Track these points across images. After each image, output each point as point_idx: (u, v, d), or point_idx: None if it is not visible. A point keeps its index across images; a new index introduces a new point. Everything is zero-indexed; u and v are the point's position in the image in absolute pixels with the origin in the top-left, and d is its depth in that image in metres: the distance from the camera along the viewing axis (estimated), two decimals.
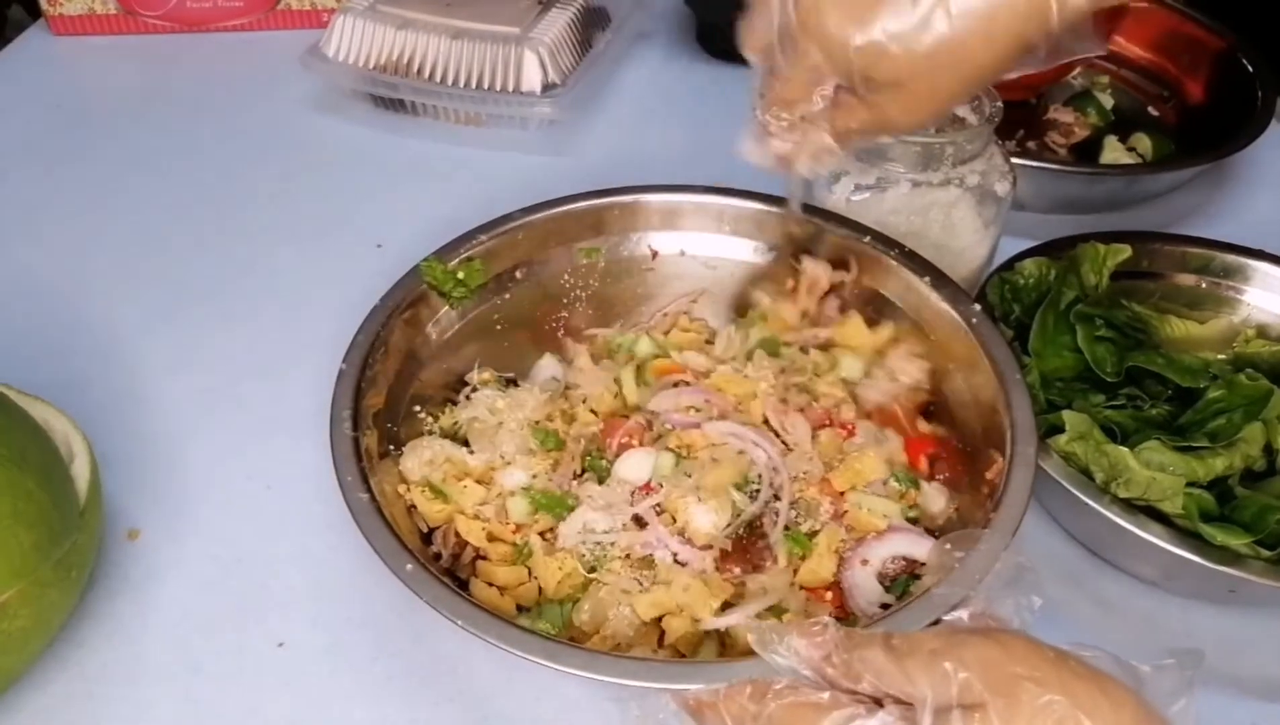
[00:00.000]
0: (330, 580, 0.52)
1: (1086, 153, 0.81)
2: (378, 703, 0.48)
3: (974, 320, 0.55)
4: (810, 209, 0.61)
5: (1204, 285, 0.63)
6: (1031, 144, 0.82)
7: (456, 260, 0.58)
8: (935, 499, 0.53)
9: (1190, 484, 0.50)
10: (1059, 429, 0.52)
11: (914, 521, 0.52)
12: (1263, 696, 0.49)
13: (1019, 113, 0.85)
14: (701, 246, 0.63)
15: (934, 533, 0.51)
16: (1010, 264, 0.61)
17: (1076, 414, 0.53)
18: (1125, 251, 0.61)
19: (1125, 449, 0.50)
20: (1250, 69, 0.79)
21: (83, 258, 0.72)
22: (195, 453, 0.59)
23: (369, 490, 0.47)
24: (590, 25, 0.86)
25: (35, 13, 0.95)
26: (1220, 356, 0.59)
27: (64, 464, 0.48)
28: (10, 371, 0.53)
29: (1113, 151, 0.80)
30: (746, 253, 0.63)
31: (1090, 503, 0.50)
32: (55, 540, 0.44)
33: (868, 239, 0.59)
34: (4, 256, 0.72)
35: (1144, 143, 0.81)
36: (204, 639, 0.50)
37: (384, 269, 0.70)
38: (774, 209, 0.62)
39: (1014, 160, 0.72)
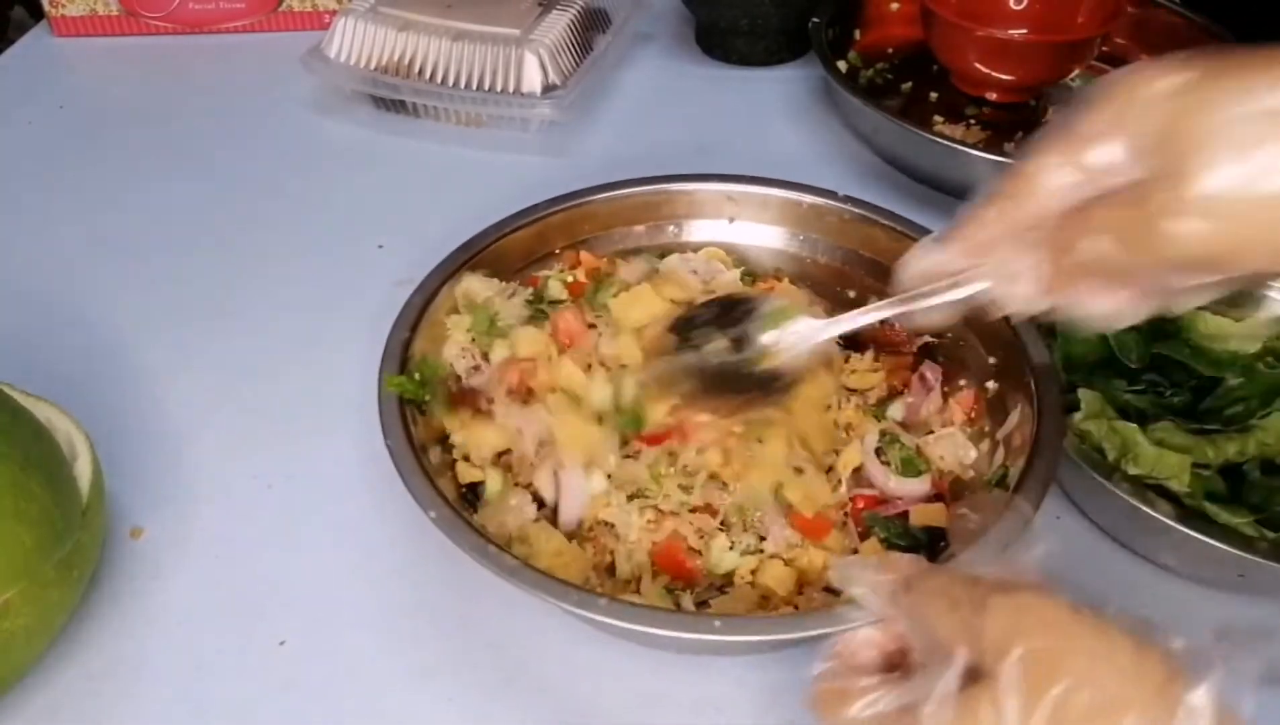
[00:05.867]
0: (330, 579, 0.53)
1: None
2: (378, 701, 0.48)
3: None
4: (821, 191, 0.63)
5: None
6: None
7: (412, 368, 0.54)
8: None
9: (1202, 466, 0.51)
10: (1077, 410, 0.53)
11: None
12: (1268, 687, 0.49)
13: (1018, 114, 0.85)
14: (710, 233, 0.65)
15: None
16: None
17: (1091, 392, 0.54)
18: None
19: (1134, 426, 0.51)
20: None
21: (85, 257, 0.72)
22: (197, 452, 0.59)
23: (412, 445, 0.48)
24: (590, 27, 0.87)
25: (37, 14, 0.96)
26: (1250, 351, 0.59)
27: (66, 463, 0.48)
28: (13, 371, 0.53)
29: None
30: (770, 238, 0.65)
31: (1097, 478, 0.50)
32: (58, 539, 0.44)
33: (886, 220, 0.61)
34: (6, 256, 0.72)
35: None
36: (206, 637, 0.50)
37: (385, 269, 0.70)
38: (779, 192, 0.63)
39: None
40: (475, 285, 0.57)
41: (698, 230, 0.65)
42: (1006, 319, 0.54)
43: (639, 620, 0.41)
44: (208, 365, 0.64)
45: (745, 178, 0.64)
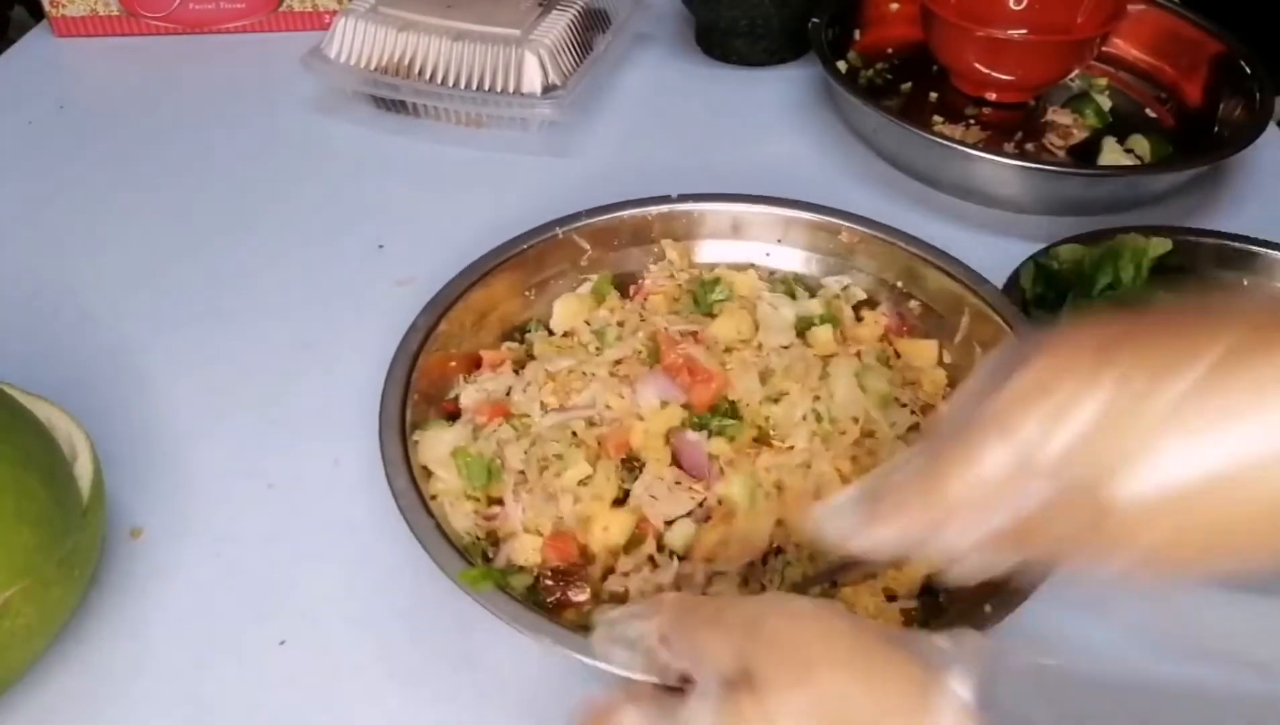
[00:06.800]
0: (331, 579, 0.53)
1: (1084, 155, 0.81)
2: (379, 700, 0.48)
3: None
4: (825, 210, 0.62)
5: (1246, 282, 0.63)
6: (1030, 146, 0.82)
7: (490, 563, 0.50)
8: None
9: None
10: None
11: None
12: (1268, 686, 0.49)
13: (1017, 115, 0.85)
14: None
15: None
16: (1047, 250, 0.62)
17: None
18: (1166, 245, 0.61)
19: None
20: (1248, 70, 0.80)
21: (85, 257, 0.72)
22: (197, 452, 0.59)
23: (418, 491, 0.48)
24: (590, 27, 0.87)
25: (38, 14, 0.96)
26: None
27: (67, 463, 0.48)
28: (13, 370, 0.53)
29: (1111, 153, 0.80)
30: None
31: None
32: (58, 539, 0.44)
33: (884, 235, 0.61)
34: (6, 256, 0.72)
35: (1142, 144, 0.81)
36: (206, 636, 0.50)
37: (385, 269, 0.71)
38: (789, 212, 0.63)
39: (1013, 162, 0.73)
40: (442, 439, 0.52)
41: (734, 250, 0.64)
42: (1009, 324, 0.55)
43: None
44: (208, 364, 0.64)
45: (795, 202, 0.63)
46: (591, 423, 0.53)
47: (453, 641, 0.50)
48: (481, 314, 0.59)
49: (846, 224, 0.62)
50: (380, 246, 0.73)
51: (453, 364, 0.57)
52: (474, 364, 0.58)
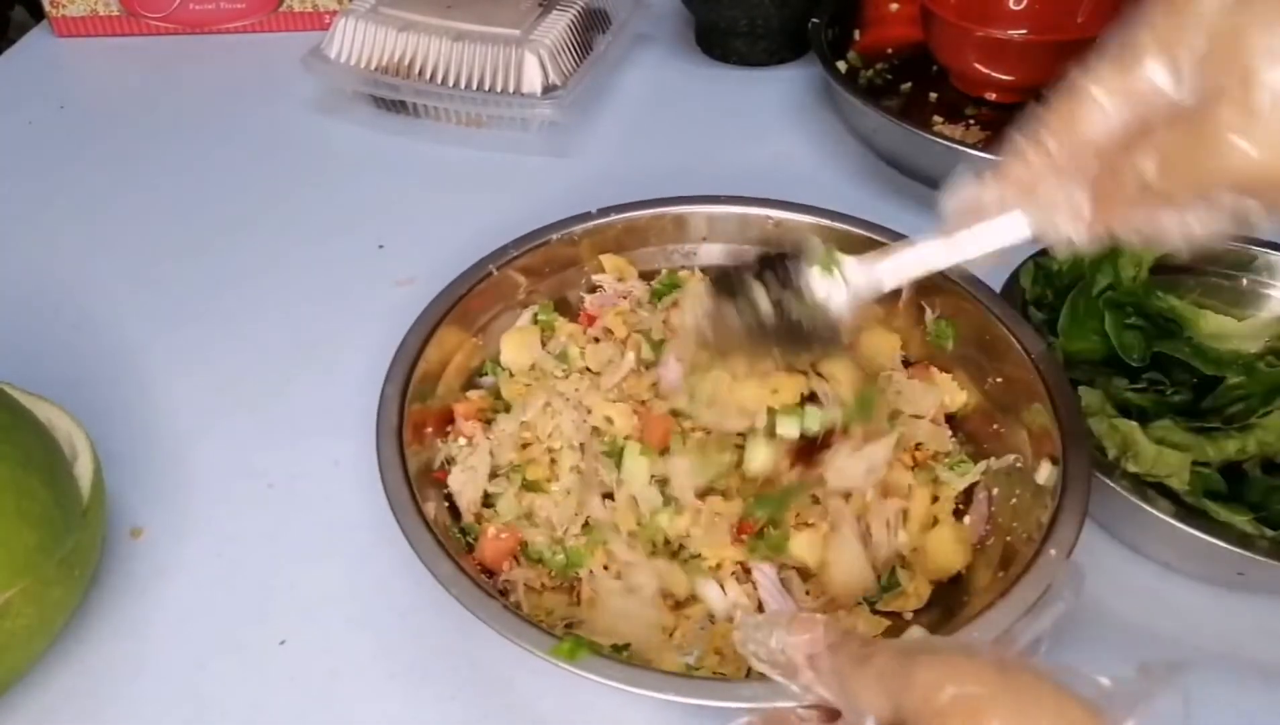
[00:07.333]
0: (331, 578, 0.53)
1: None
2: (379, 699, 0.48)
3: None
4: (744, 200, 0.63)
5: (1245, 282, 0.63)
6: None
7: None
8: None
9: (1202, 464, 0.51)
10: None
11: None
12: (1267, 686, 0.49)
13: (1018, 114, 0.85)
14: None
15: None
16: (1046, 250, 0.62)
17: (1092, 390, 0.54)
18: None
19: (1134, 423, 0.52)
20: None
21: (85, 257, 0.72)
22: (198, 452, 0.59)
23: (413, 493, 0.48)
24: (590, 27, 0.87)
25: (38, 14, 0.96)
26: (1252, 350, 0.59)
27: (67, 463, 0.48)
28: (13, 370, 0.54)
29: None
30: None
31: (1098, 475, 0.50)
32: (58, 539, 0.44)
33: (807, 216, 0.62)
34: (7, 256, 0.73)
35: None
36: (206, 636, 0.50)
37: (385, 269, 0.71)
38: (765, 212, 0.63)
39: None
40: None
41: (718, 252, 0.64)
42: (1017, 343, 0.54)
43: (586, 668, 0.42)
44: (208, 364, 0.64)
45: (783, 203, 0.63)
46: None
47: (453, 641, 0.50)
48: (442, 366, 0.57)
49: (768, 212, 0.62)
50: (380, 246, 0.73)
51: (428, 429, 0.55)
52: (446, 420, 0.56)
